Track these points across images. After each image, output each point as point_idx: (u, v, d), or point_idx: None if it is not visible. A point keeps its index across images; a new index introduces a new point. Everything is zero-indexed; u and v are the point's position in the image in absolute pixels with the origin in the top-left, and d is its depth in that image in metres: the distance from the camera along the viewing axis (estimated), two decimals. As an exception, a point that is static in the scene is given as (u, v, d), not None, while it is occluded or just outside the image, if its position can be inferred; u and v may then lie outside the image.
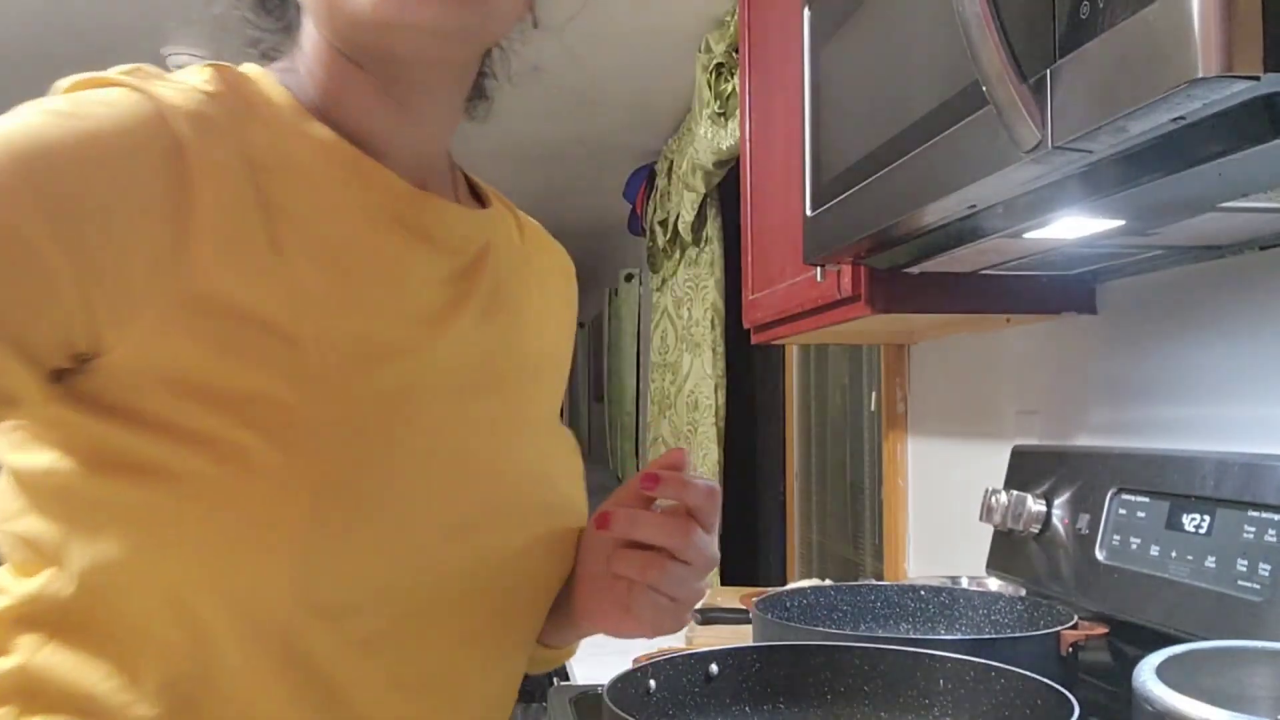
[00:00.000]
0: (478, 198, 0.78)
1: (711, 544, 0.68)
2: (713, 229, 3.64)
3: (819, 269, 1.39)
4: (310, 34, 0.66)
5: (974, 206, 0.91)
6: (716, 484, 0.68)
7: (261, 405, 0.56)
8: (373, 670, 0.61)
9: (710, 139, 3.06)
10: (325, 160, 0.63)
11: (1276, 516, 0.94)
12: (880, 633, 1.25)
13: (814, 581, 1.66)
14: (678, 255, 3.89)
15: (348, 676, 0.60)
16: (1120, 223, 0.95)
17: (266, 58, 0.70)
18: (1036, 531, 1.29)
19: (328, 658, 0.59)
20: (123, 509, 0.55)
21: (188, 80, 0.60)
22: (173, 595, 0.56)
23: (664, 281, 4.10)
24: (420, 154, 0.68)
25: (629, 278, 5.64)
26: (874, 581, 1.81)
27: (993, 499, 1.34)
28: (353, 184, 0.64)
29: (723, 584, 3.54)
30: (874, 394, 2.43)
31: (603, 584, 0.70)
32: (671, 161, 3.80)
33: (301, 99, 0.65)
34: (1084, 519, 1.21)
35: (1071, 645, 1.05)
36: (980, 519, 1.37)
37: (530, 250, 0.79)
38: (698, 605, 1.69)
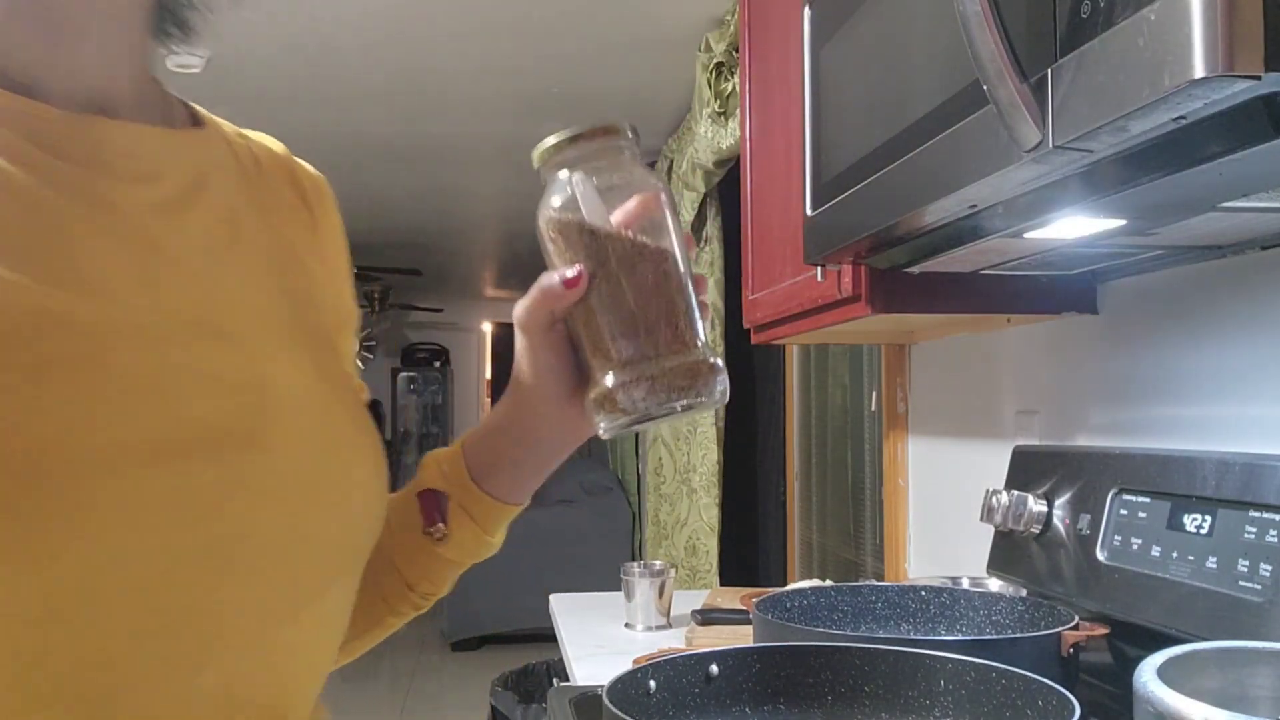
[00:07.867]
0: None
1: None
2: (713, 229, 3.64)
3: (819, 269, 1.38)
4: None
5: (974, 206, 0.91)
6: None
7: None
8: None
9: (710, 138, 3.06)
10: None
11: (1277, 517, 0.94)
12: (880, 633, 1.25)
13: (814, 582, 1.66)
14: (678, 255, 3.88)
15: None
16: (1120, 223, 0.95)
17: None
18: (1037, 532, 1.28)
19: None
20: None
21: None
22: None
23: (664, 281, 4.09)
24: (91, 85, 0.60)
25: (629, 278, 5.64)
26: (874, 582, 1.81)
27: (993, 499, 1.34)
28: None
29: (723, 584, 3.54)
30: (874, 394, 2.43)
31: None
32: (671, 161, 3.79)
33: None
34: (1085, 519, 1.21)
35: (1072, 646, 1.05)
36: (981, 519, 1.36)
37: (268, 179, 0.70)
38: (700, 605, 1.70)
